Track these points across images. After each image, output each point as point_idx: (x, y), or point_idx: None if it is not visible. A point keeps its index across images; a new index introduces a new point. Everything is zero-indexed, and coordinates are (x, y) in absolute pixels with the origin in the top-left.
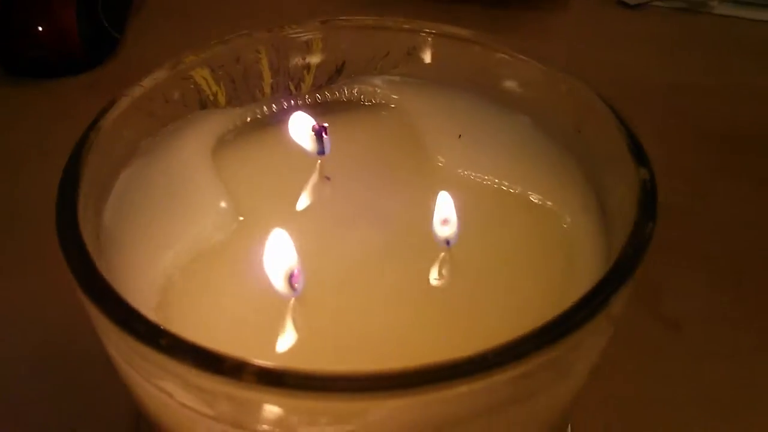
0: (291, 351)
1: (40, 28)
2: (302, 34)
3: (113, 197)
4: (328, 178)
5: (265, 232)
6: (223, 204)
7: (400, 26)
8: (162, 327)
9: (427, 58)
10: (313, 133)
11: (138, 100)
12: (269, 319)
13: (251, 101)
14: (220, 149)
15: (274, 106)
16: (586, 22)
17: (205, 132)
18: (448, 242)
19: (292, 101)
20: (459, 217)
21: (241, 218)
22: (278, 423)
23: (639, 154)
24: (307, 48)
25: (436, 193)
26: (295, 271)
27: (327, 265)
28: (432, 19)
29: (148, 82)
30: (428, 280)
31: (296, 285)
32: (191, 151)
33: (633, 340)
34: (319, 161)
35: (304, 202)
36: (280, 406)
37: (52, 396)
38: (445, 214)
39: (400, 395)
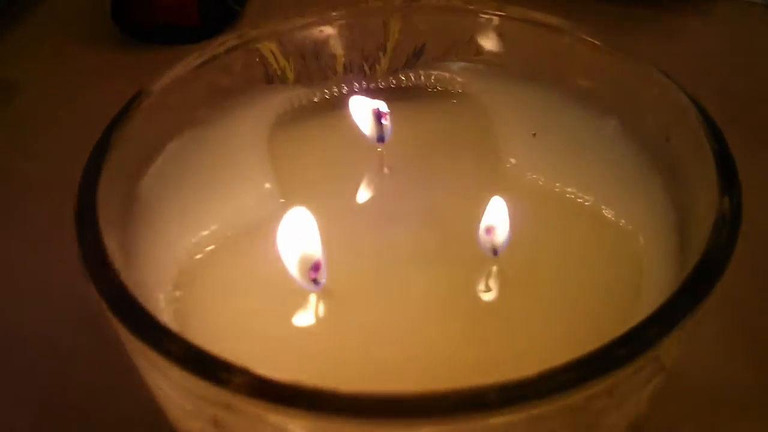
0: (301, 357)
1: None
2: (381, 13)
3: (158, 165)
4: (387, 169)
5: (301, 219)
6: (267, 185)
7: (484, 10)
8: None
9: (512, 46)
10: (373, 117)
11: (196, 68)
12: (286, 311)
13: (322, 80)
14: (280, 128)
15: (345, 87)
16: (726, 24)
17: (265, 108)
18: (495, 251)
19: (365, 83)
20: (517, 226)
21: (282, 200)
22: None
23: (726, 176)
24: (385, 28)
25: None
26: (316, 263)
27: (362, 261)
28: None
29: (208, 51)
30: (474, 291)
31: (317, 278)
32: (247, 126)
33: None
34: (379, 149)
35: (355, 191)
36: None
37: None
38: (491, 222)
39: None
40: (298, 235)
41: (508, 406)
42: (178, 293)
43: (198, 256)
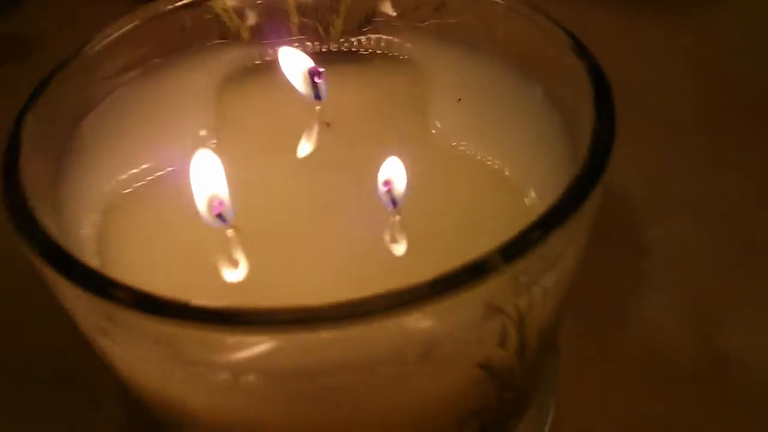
0: (201, 288)
1: None
2: None
3: (102, 107)
4: (327, 124)
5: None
6: (203, 132)
7: None
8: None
9: (455, 15)
10: (308, 75)
11: (149, 20)
12: (195, 246)
13: (276, 39)
14: (229, 83)
15: (298, 47)
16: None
17: (217, 63)
18: (394, 203)
19: (318, 45)
20: (421, 183)
21: (214, 143)
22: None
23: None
24: None
25: (418, 159)
26: (219, 200)
27: (276, 204)
28: None
29: (159, 7)
30: (381, 240)
31: (222, 213)
32: (195, 79)
33: None
34: (317, 107)
35: (286, 143)
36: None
37: None
38: (388, 176)
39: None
40: (207, 175)
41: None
42: (100, 222)
43: (126, 191)
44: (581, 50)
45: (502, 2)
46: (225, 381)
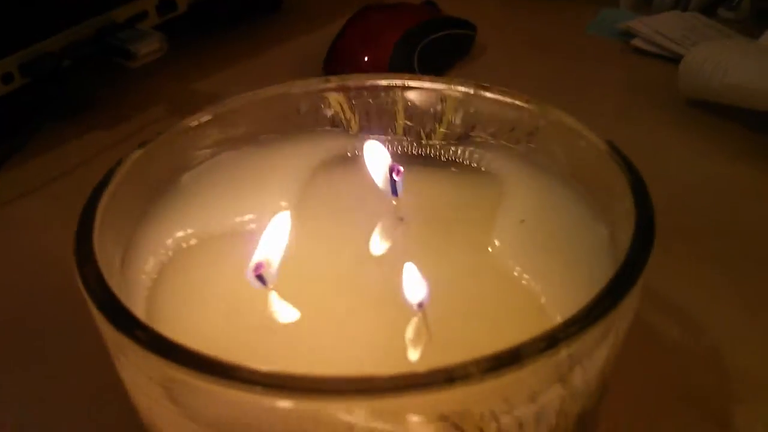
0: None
1: (366, 59)
2: (446, 88)
3: (206, 166)
4: (401, 219)
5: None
6: (283, 203)
7: (537, 110)
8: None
9: (544, 142)
10: (388, 171)
11: (271, 99)
12: (241, 308)
13: (380, 135)
14: (324, 167)
15: (399, 147)
16: None
17: (317, 146)
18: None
19: (416, 148)
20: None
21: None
22: None
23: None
24: (443, 104)
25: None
26: (260, 261)
27: (322, 282)
28: None
29: (275, 90)
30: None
31: (262, 275)
32: (292, 156)
33: None
34: (394, 202)
35: (356, 231)
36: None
37: None
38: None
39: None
40: (267, 239)
41: None
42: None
43: (188, 244)
44: (640, 200)
45: (587, 139)
46: None
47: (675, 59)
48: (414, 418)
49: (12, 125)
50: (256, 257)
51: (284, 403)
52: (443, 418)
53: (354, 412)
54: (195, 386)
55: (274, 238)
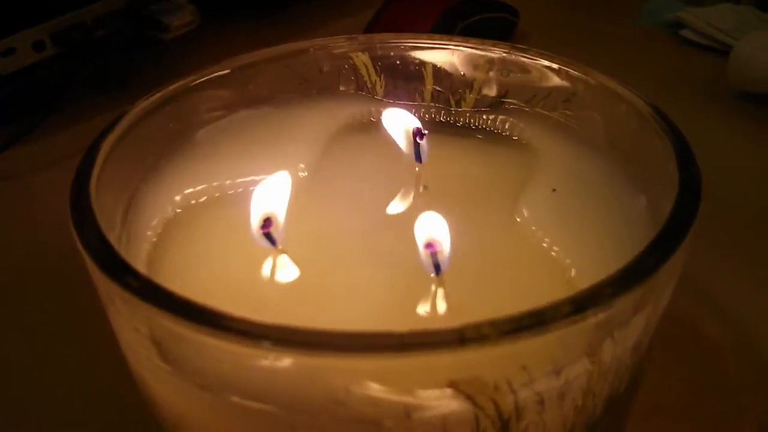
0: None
1: None
2: (478, 51)
3: (221, 123)
4: (425, 187)
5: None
6: (301, 165)
7: (573, 71)
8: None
9: (581, 108)
10: (412, 134)
11: (290, 55)
12: (243, 265)
13: (407, 102)
14: (347, 131)
15: (426, 115)
16: None
17: (339, 109)
18: (437, 268)
19: (445, 115)
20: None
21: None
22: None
23: None
24: (476, 68)
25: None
26: (267, 219)
27: (333, 242)
28: None
29: (295, 46)
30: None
31: (270, 233)
32: (314, 118)
33: None
34: (417, 168)
35: (371, 195)
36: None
37: None
38: (432, 238)
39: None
40: (269, 196)
41: None
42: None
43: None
44: (686, 161)
45: (629, 103)
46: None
47: (725, 51)
48: (418, 384)
49: (43, 95)
50: (259, 213)
51: (274, 358)
52: (452, 384)
53: (351, 373)
54: (184, 337)
55: (276, 195)
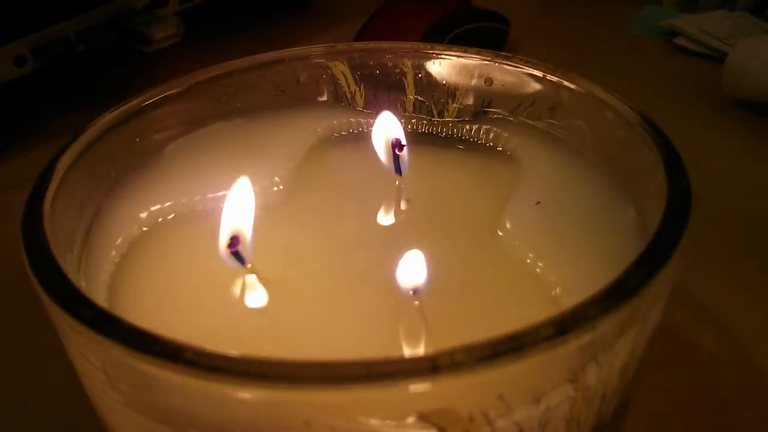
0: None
1: None
2: (461, 59)
3: (198, 134)
4: (408, 201)
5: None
6: (276, 179)
7: (558, 80)
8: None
9: (567, 117)
10: (391, 146)
11: (265, 65)
12: (210, 288)
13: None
14: (326, 143)
15: (408, 125)
16: None
17: (317, 121)
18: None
19: (427, 126)
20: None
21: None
22: None
23: None
24: (459, 77)
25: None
26: (235, 237)
27: (307, 262)
28: None
29: (270, 56)
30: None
31: (238, 252)
32: (290, 130)
33: None
34: (397, 182)
35: (354, 209)
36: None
37: None
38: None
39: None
40: (237, 212)
41: None
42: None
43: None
44: (675, 170)
45: (616, 111)
46: None
47: (719, 59)
48: (386, 416)
49: (24, 110)
50: (227, 231)
51: (225, 389)
52: (422, 418)
53: (312, 407)
54: (135, 369)
55: (241, 209)
